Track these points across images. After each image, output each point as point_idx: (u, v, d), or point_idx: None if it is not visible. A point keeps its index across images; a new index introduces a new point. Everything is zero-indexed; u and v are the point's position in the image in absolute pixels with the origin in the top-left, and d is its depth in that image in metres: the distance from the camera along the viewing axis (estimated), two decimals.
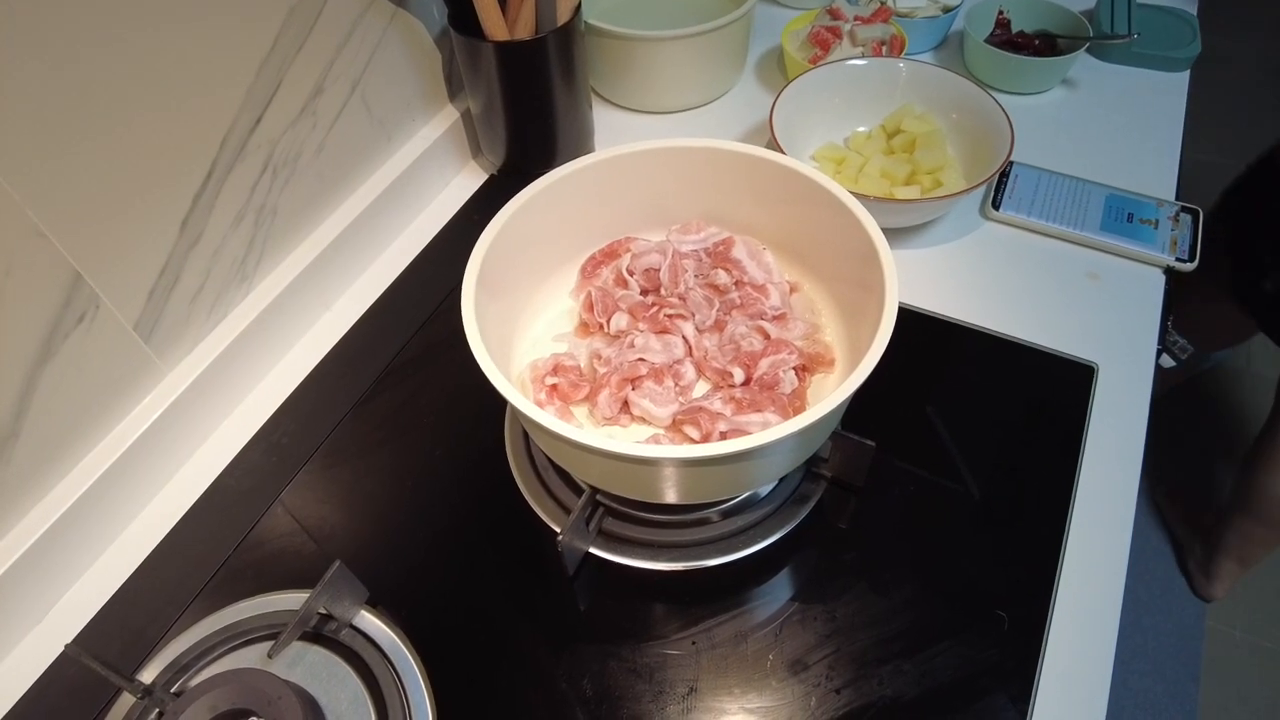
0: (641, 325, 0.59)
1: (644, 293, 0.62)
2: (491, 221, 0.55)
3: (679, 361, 0.57)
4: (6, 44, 0.45)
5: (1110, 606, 0.54)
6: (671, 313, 0.59)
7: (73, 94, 0.49)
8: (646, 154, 0.59)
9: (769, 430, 0.44)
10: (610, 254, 0.64)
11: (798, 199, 0.58)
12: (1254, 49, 2.53)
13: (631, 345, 0.57)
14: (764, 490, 0.59)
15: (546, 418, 0.45)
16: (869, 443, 0.55)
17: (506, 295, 0.58)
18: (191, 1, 0.54)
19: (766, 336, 0.58)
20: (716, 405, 0.54)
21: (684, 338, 0.58)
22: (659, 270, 0.61)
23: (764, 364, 0.56)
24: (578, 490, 0.58)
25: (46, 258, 0.51)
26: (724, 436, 0.52)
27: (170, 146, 0.56)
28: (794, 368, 0.56)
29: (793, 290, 0.62)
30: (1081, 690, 0.51)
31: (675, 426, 0.55)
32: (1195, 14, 0.96)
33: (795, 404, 0.55)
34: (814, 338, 0.59)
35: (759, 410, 0.53)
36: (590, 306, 0.60)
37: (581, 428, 0.49)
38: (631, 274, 0.61)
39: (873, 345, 0.47)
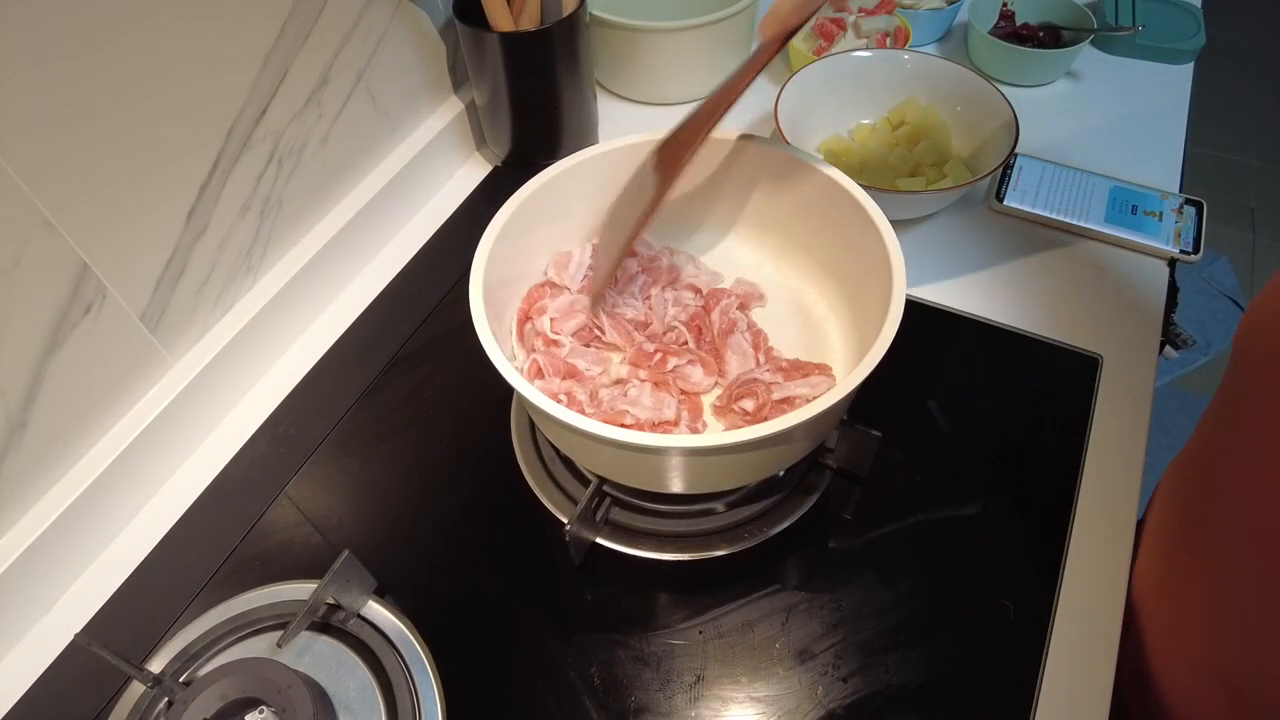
0: (642, 374, 0.56)
1: (588, 344, 0.59)
2: (500, 211, 0.55)
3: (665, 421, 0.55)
4: (14, 35, 0.45)
5: (1115, 596, 0.54)
6: (680, 362, 0.56)
7: (80, 85, 0.49)
8: (653, 145, 0.59)
9: (776, 420, 0.44)
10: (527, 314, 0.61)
11: (804, 189, 0.58)
12: (1257, 42, 2.53)
13: (624, 395, 0.55)
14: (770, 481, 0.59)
15: (554, 406, 0.45)
16: (875, 433, 0.55)
17: (514, 285, 0.58)
18: None
19: (698, 291, 0.61)
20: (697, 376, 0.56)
21: (685, 391, 0.57)
22: (588, 329, 0.59)
23: (714, 315, 0.58)
24: (584, 481, 0.58)
25: (54, 248, 0.51)
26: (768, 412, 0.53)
27: (177, 137, 0.56)
28: (738, 308, 0.59)
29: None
30: (1086, 679, 0.51)
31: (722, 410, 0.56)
32: (1199, 6, 0.96)
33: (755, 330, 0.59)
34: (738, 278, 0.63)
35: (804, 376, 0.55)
36: (539, 373, 0.56)
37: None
38: (558, 334, 0.58)
39: (881, 334, 0.47)
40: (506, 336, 0.58)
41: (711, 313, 0.59)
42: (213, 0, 0.55)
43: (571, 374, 0.56)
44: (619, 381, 0.57)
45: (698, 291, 0.61)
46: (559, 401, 0.54)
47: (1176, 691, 0.52)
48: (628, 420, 0.53)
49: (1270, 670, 0.44)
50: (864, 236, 0.54)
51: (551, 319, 0.59)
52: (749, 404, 0.53)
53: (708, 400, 0.57)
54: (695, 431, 0.55)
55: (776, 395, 0.53)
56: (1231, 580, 0.47)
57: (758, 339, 0.59)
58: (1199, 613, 0.51)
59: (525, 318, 0.60)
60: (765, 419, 0.48)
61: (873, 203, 0.54)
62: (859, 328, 0.57)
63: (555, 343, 0.58)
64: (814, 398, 0.48)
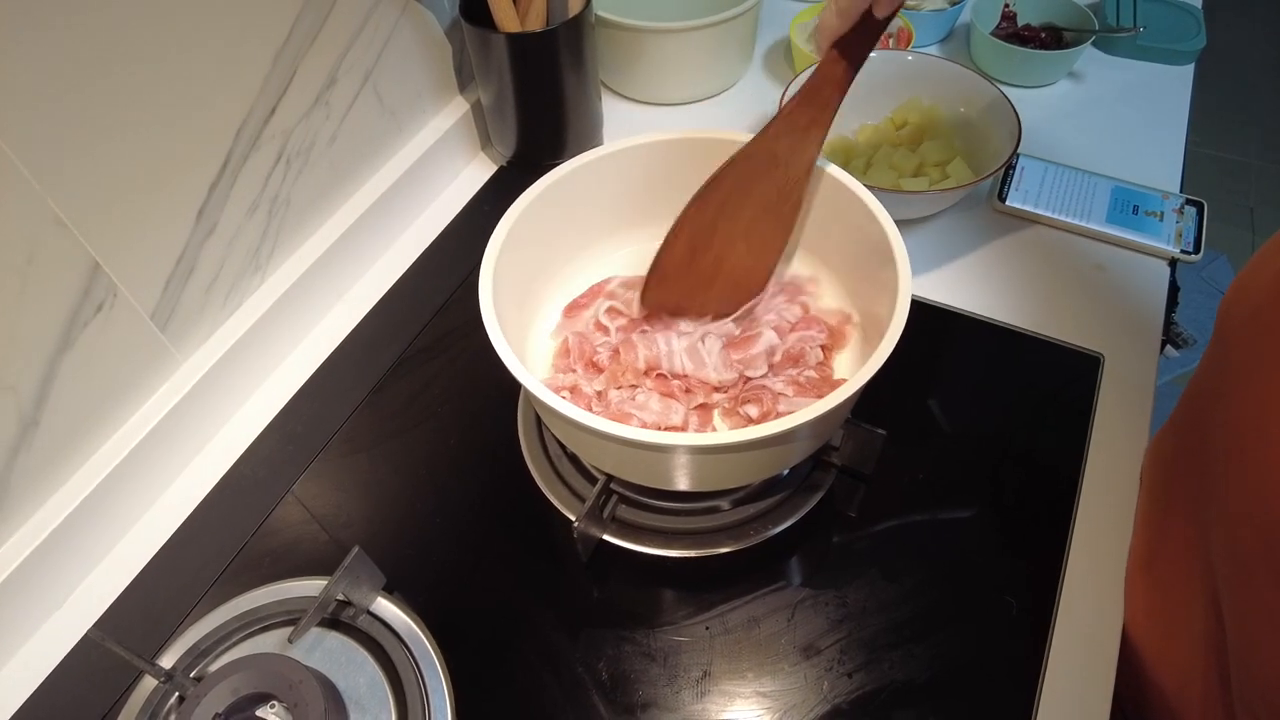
0: (649, 382, 0.57)
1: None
2: (510, 208, 0.55)
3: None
4: (26, 37, 0.46)
5: (1115, 592, 0.55)
6: (704, 402, 0.56)
7: (92, 86, 0.50)
8: (660, 145, 0.60)
9: (781, 420, 0.45)
10: (592, 296, 0.62)
11: (810, 190, 0.59)
12: (1258, 42, 2.53)
13: (633, 399, 0.56)
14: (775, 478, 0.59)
15: (563, 404, 0.46)
16: (880, 431, 0.55)
17: (521, 282, 0.59)
18: None
19: (806, 310, 0.59)
20: (778, 385, 0.55)
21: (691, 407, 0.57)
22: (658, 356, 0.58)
23: (791, 339, 0.57)
24: (590, 478, 0.59)
25: (66, 247, 0.51)
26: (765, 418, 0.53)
27: (187, 137, 0.56)
28: (820, 345, 0.58)
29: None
30: (1088, 674, 0.52)
31: (730, 410, 0.56)
32: (1200, 7, 0.97)
33: (822, 372, 0.57)
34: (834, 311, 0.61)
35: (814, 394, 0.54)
36: (566, 352, 0.58)
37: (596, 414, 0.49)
38: (611, 319, 0.60)
39: (886, 336, 0.47)
40: (517, 334, 0.58)
41: (789, 334, 0.58)
42: (224, 1, 0.55)
43: (594, 363, 0.57)
44: (632, 385, 0.57)
45: (806, 310, 0.60)
46: (562, 398, 0.54)
47: (1169, 681, 0.53)
48: (633, 423, 0.53)
49: (1256, 650, 0.45)
50: (870, 237, 0.54)
51: (610, 306, 0.60)
52: (753, 410, 0.54)
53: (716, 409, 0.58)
54: (701, 430, 0.55)
55: (783, 407, 0.53)
56: (1221, 563, 0.48)
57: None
58: (1185, 595, 0.51)
59: (581, 304, 0.61)
60: None
61: (877, 202, 0.54)
62: (864, 327, 0.58)
63: (603, 328, 0.59)
64: None
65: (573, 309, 0.61)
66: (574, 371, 0.57)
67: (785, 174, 0.54)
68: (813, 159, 0.54)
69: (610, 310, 0.60)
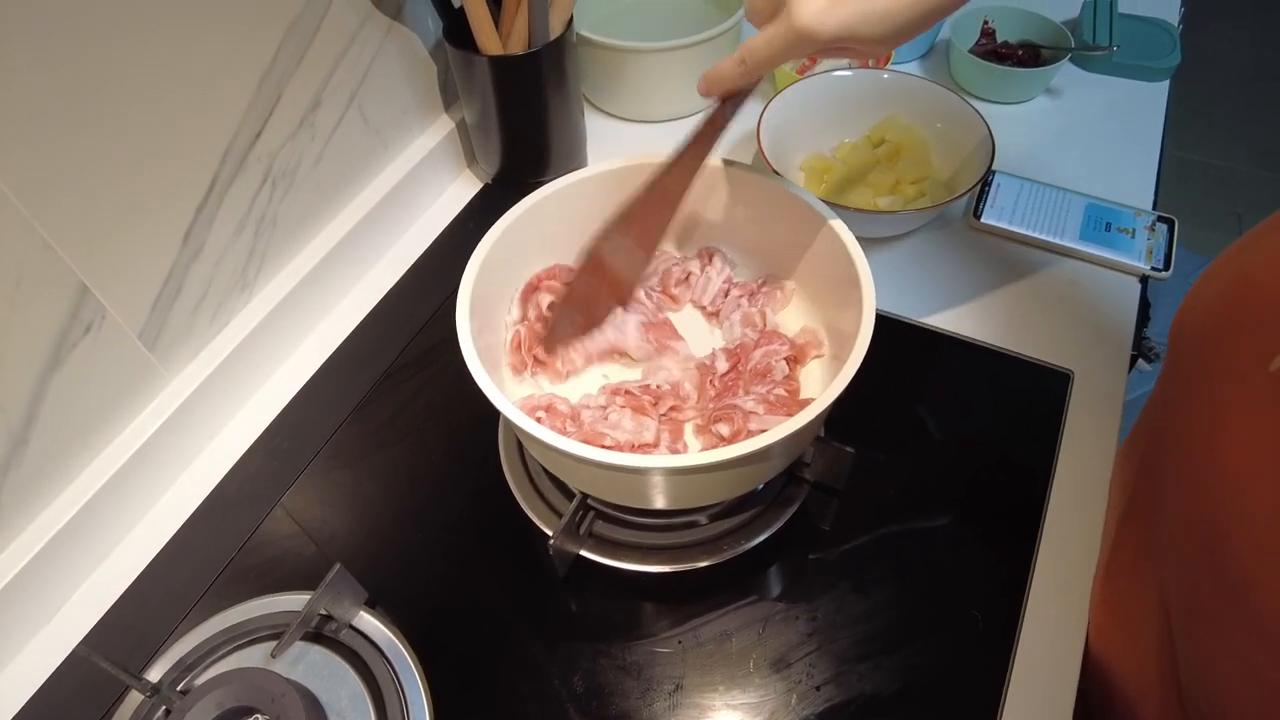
0: (620, 400, 0.57)
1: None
2: (486, 235, 0.56)
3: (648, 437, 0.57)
4: (15, 65, 0.47)
5: (1080, 606, 0.56)
6: (681, 418, 0.58)
7: (79, 111, 0.51)
8: (635, 169, 0.61)
9: (751, 440, 0.46)
10: (546, 278, 0.63)
11: (779, 211, 0.60)
12: (1244, 49, 2.55)
13: (605, 418, 0.56)
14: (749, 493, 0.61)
15: (537, 428, 0.47)
16: (848, 449, 0.57)
17: (500, 304, 0.60)
18: (196, 17, 0.56)
19: (764, 318, 0.61)
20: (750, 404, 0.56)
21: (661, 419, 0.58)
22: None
23: (756, 354, 0.58)
24: (569, 494, 0.60)
25: (54, 270, 0.52)
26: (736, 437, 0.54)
27: (174, 161, 0.58)
28: (784, 358, 0.59)
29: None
30: (1051, 687, 0.53)
31: (704, 428, 0.57)
32: (1176, 24, 0.98)
33: (789, 387, 0.58)
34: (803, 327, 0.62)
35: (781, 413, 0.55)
36: (518, 346, 0.60)
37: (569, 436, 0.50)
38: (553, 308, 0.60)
39: (850, 356, 0.49)
40: (496, 354, 0.60)
41: (755, 350, 0.59)
42: (206, 27, 0.57)
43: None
44: (604, 405, 0.58)
45: (764, 318, 0.62)
46: (538, 420, 0.55)
47: (1130, 688, 0.54)
48: (607, 443, 0.54)
49: (1201, 656, 0.46)
50: (835, 257, 0.56)
51: (552, 300, 0.61)
52: (725, 429, 0.55)
53: (688, 423, 0.59)
54: (675, 450, 0.56)
55: (754, 425, 0.54)
56: (1169, 571, 0.49)
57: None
58: (1141, 606, 0.53)
59: (533, 289, 0.62)
60: None
61: (844, 226, 0.56)
62: (834, 346, 0.59)
63: (545, 319, 0.60)
64: None
65: (528, 292, 0.63)
66: (528, 363, 0.59)
67: (666, 199, 0.55)
68: (688, 186, 0.55)
69: (550, 303, 0.61)
